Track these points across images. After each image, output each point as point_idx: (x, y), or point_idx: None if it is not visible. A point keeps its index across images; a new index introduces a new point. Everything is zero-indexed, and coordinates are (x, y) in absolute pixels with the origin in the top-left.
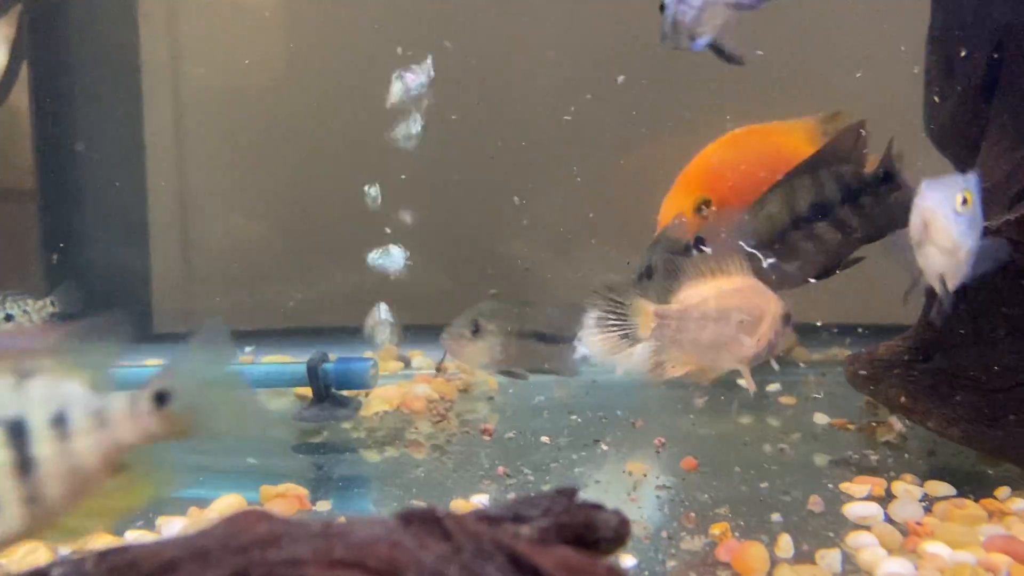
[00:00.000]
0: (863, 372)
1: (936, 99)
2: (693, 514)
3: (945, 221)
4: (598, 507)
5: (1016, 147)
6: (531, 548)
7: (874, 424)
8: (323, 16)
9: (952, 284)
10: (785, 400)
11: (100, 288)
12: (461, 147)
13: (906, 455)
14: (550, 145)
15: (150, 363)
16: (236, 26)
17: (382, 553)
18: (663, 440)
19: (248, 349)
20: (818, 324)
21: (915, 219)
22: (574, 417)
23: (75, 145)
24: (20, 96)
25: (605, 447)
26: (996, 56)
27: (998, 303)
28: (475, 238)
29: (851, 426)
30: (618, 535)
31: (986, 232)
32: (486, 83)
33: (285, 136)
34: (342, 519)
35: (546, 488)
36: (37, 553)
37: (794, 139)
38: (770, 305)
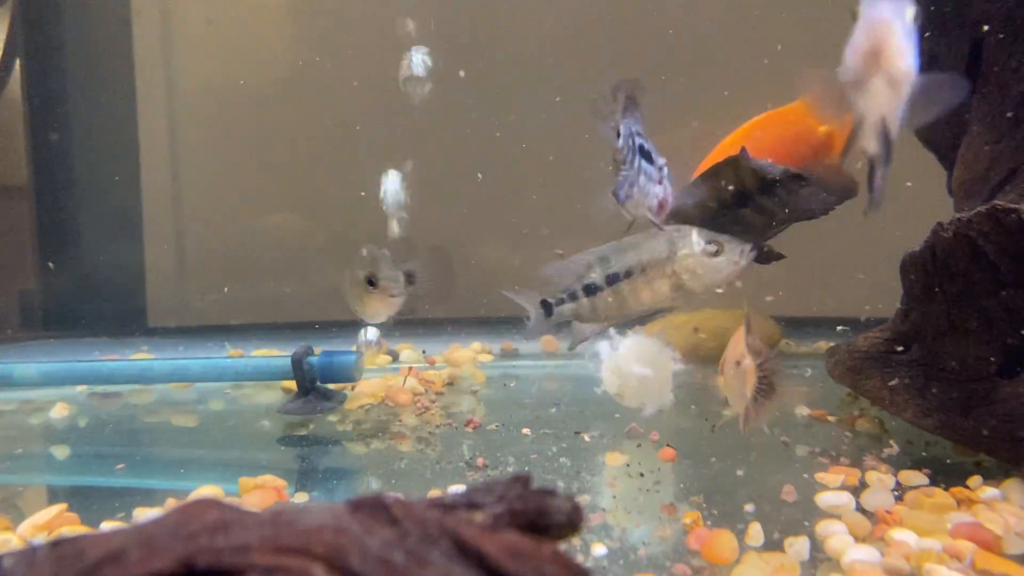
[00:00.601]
0: (842, 364)
1: None
2: (667, 504)
3: (900, 40)
4: (551, 493)
5: (996, 139)
6: (478, 533)
7: (853, 415)
8: (318, 12)
9: (895, 130)
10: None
11: (95, 283)
12: (464, 145)
13: (884, 445)
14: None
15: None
16: (230, 21)
17: (327, 539)
18: (642, 429)
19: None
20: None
21: (861, 42)
22: (556, 410)
23: (52, 136)
24: (14, 93)
25: (587, 439)
26: (975, 50)
27: (972, 295)
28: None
29: (831, 417)
30: (571, 521)
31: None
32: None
33: (278, 132)
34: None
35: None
36: (9, 545)
37: (807, 119)
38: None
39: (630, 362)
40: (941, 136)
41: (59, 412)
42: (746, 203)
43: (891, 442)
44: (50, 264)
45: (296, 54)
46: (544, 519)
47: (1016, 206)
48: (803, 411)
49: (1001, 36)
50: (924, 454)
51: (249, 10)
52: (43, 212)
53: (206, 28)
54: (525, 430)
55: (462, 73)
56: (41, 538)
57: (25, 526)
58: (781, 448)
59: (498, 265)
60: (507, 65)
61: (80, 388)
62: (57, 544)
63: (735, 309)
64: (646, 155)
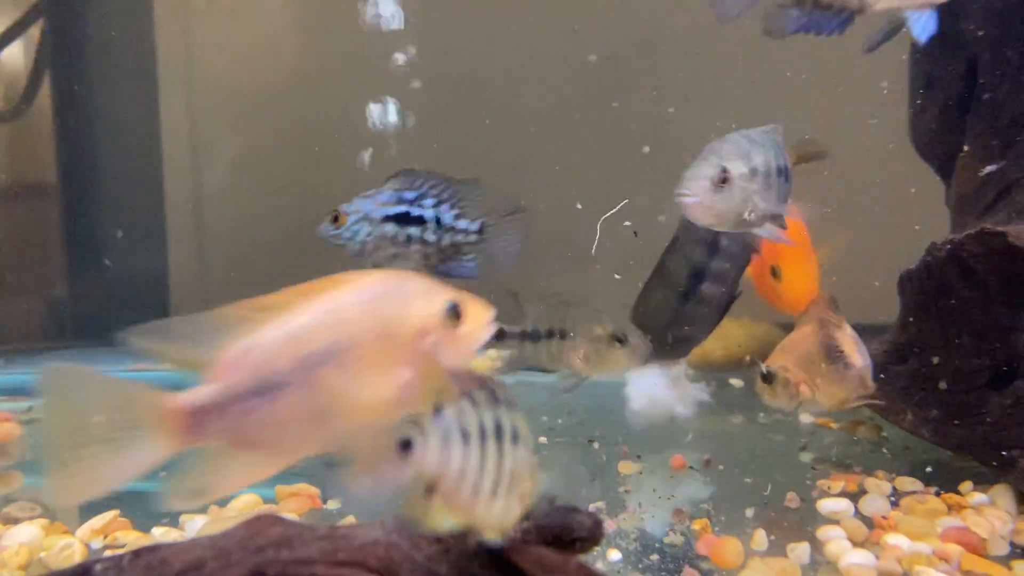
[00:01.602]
0: None
1: (918, 111)
2: (677, 510)
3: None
4: (575, 510)
5: (988, 159)
6: (511, 548)
7: (855, 423)
8: (335, 15)
9: None
10: None
11: (121, 291)
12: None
13: (883, 452)
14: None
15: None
16: (249, 30)
17: (380, 553)
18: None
19: None
20: None
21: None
22: (570, 418)
23: (87, 146)
24: (43, 103)
25: (598, 446)
26: (970, 72)
27: (963, 311)
28: None
29: (834, 425)
30: (592, 535)
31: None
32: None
33: (298, 137)
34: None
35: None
36: (72, 548)
37: None
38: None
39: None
40: (939, 150)
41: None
42: (703, 278)
43: (890, 449)
44: (107, 262)
45: (320, 55)
46: (568, 533)
47: (1003, 229)
48: (808, 418)
49: (992, 63)
50: (920, 460)
51: (270, 20)
52: (71, 220)
53: (228, 39)
54: (542, 439)
55: None
56: (98, 542)
57: (84, 530)
58: (785, 455)
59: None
60: None
61: None
62: (140, 553)
63: (740, 318)
64: None
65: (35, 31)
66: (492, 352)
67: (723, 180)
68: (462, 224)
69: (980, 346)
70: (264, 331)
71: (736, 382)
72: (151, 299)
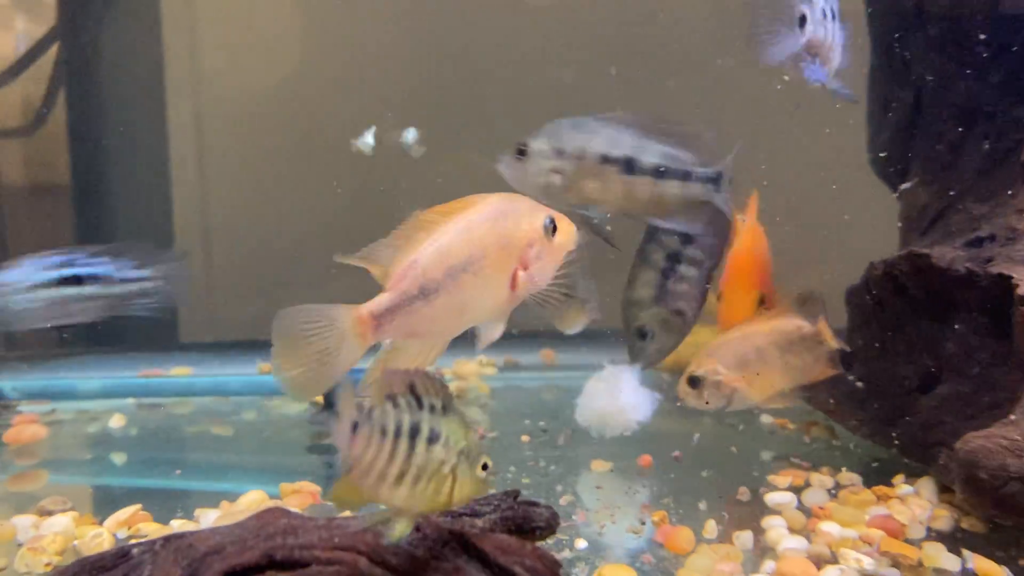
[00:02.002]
0: None
1: (874, 133)
2: (644, 505)
3: None
4: (535, 504)
5: (930, 182)
6: (478, 535)
7: (808, 423)
8: (344, 22)
9: None
10: None
11: None
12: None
13: (833, 451)
14: None
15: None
16: (256, 42)
17: (368, 540)
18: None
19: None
20: None
21: None
22: (552, 420)
23: (99, 157)
24: (59, 117)
25: (577, 447)
26: (917, 99)
27: (898, 323)
28: None
29: (791, 425)
30: (549, 525)
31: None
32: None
33: (305, 147)
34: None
35: (525, 481)
36: (101, 537)
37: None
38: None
39: (594, 397)
40: (892, 171)
41: (116, 422)
42: (680, 259)
43: (839, 447)
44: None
45: (330, 62)
46: (529, 523)
47: (928, 251)
48: (768, 419)
49: (933, 96)
50: (864, 458)
51: (277, 30)
52: (84, 228)
53: (234, 56)
54: (524, 438)
55: None
56: (123, 532)
57: (110, 522)
58: (747, 454)
59: None
60: None
61: (130, 400)
62: (169, 539)
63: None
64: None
65: (51, 53)
66: (483, 358)
67: (521, 152)
68: (134, 275)
69: (911, 354)
70: (420, 250)
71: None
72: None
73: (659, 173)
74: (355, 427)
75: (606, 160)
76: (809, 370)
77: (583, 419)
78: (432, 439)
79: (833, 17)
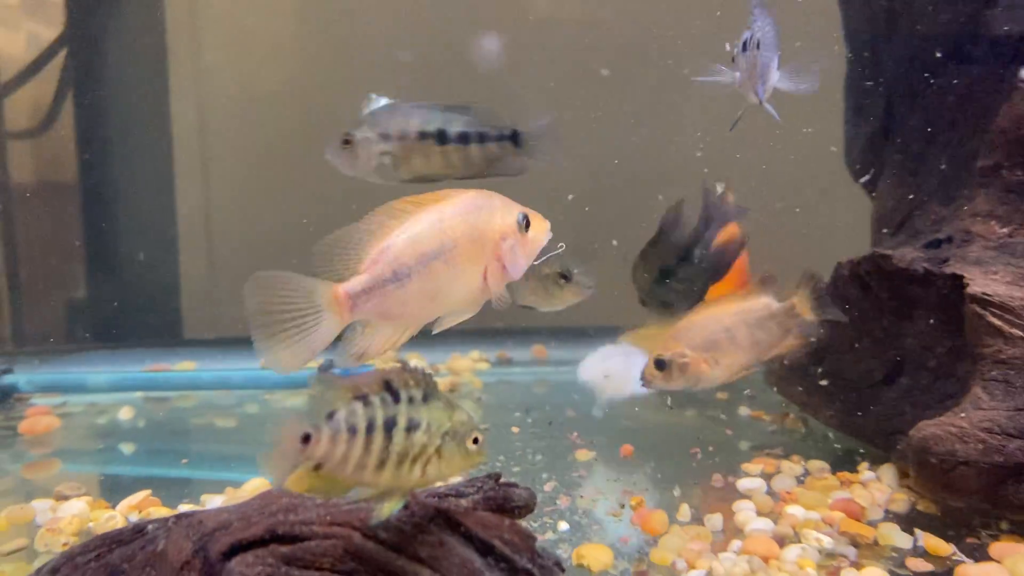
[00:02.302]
0: (775, 374)
1: (850, 138)
2: (623, 490)
3: None
4: (514, 486)
5: (901, 185)
6: (462, 512)
7: (783, 415)
8: (344, 23)
9: None
10: (720, 396)
11: (136, 295)
12: None
13: (806, 440)
14: None
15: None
16: (258, 43)
17: (362, 516)
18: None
19: None
20: None
21: None
22: (541, 412)
23: (105, 159)
24: (66, 120)
25: (564, 438)
26: (889, 107)
27: (864, 320)
28: None
29: (766, 417)
30: (527, 504)
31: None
32: None
33: (307, 145)
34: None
35: (515, 469)
36: (115, 520)
37: None
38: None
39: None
40: (867, 175)
41: (125, 414)
42: (671, 276)
43: (811, 437)
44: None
45: (331, 59)
46: (508, 503)
47: (890, 252)
48: (746, 411)
49: (903, 103)
50: (834, 446)
51: (280, 33)
52: (91, 229)
53: (237, 40)
54: (515, 429)
55: None
56: (134, 515)
57: (122, 506)
58: (726, 443)
59: None
60: None
61: (137, 393)
62: (181, 517)
63: None
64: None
65: (59, 58)
66: (475, 353)
67: (346, 142)
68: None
69: (875, 349)
70: (394, 236)
71: None
72: (164, 304)
73: (463, 138)
74: (306, 438)
75: (424, 136)
76: (778, 343)
77: (586, 376)
78: (411, 428)
79: (757, 47)
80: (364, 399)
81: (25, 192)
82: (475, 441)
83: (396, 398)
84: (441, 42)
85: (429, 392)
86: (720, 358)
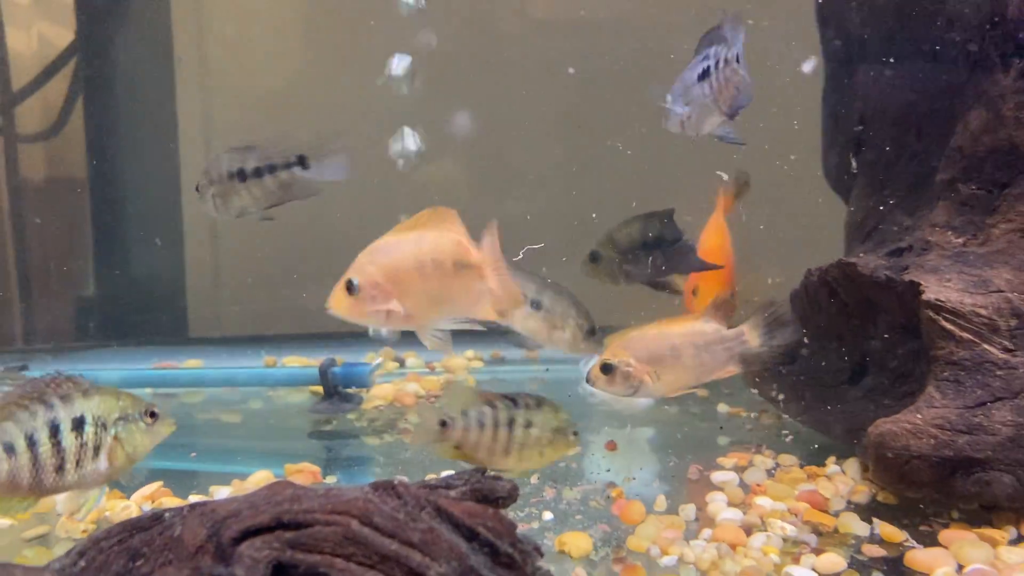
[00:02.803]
0: (751, 373)
1: (827, 147)
2: (606, 482)
3: None
4: (498, 479)
5: (871, 195)
6: (449, 502)
7: (760, 412)
8: (350, 24)
9: None
10: (701, 393)
11: (142, 294)
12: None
13: (780, 436)
14: None
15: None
16: (262, 44)
17: (360, 505)
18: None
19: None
20: None
21: None
22: None
23: (113, 161)
24: (76, 123)
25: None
26: (862, 117)
27: (832, 323)
28: None
29: (743, 413)
30: (510, 495)
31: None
32: None
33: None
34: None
35: None
36: (130, 510)
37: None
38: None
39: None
40: (842, 183)
41: None
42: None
43: (784, 433)
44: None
45: (335, 61)
46: (493, 494)
47: (855, 260)
48: (724, 408)
49: (875, 117)
50: (806, 442)
51: (285, 37)
52: (99, 228)
53: (242, 42)
54: None
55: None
56: (148, 506)
57: (136, 496)
58: (705, 438)
59: None
60: None
61: (146, 390)
62: (195, 506)
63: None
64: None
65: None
66: (470, 352)
67: (197, 188)
68: None
69: (842, 350)
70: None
71: None
72: (169, 303)
73: (257, 172)
74: (443, 423)
75: (231, 176)
76: (721, 368)
77: (587, 367)
78: (527, 425)
79: (737, 60)
80: (492, 404)
81: (37, 193)
82: (574, 434)
83: (516, 405)
84: (444, 43)
85: (541, 400)
86: (663, 373)
